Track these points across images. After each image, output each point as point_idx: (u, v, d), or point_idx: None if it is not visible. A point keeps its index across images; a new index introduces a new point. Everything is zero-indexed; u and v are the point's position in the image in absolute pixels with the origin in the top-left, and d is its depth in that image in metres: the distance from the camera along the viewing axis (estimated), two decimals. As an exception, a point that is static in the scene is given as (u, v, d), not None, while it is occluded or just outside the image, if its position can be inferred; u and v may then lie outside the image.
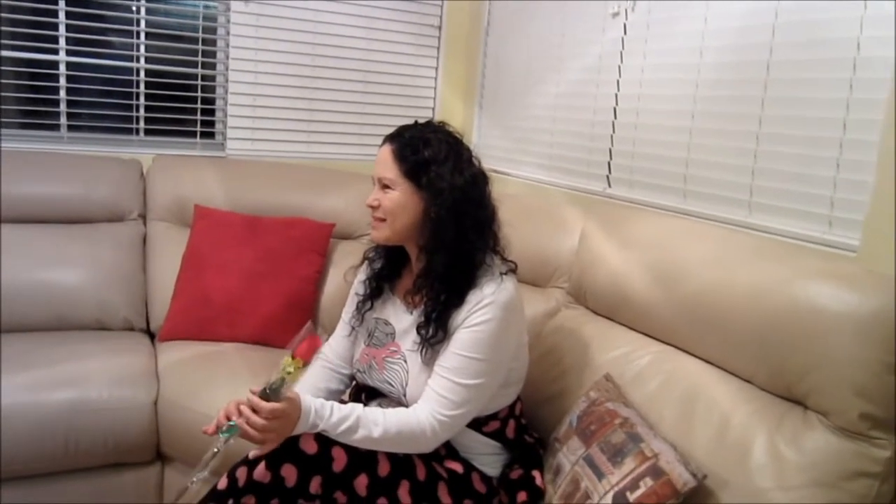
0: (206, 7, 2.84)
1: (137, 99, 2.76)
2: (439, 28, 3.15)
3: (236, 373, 2.02)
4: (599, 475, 1.36)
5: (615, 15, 2.27)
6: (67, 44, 2.62)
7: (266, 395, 1.31)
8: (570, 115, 2.51)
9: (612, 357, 1.68)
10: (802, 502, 1.23)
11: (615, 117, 2.28)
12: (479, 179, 1.51)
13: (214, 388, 1.92)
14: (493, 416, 1.56)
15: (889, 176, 1.45)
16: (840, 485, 1.23)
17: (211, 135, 2.93)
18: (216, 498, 1.38)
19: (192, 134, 2.89)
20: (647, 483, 1.28)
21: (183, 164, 2.65)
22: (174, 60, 2.81)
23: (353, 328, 1.69)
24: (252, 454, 1.36)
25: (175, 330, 2.28)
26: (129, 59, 2.74)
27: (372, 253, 1.68)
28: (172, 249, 2.42)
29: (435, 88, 3.21)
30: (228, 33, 2.81)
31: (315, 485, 1.36)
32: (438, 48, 3.17)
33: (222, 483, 1.39)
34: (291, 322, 2.21)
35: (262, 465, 1.36)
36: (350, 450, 1.39)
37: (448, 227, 1.45)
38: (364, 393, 1.64)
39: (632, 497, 1.28)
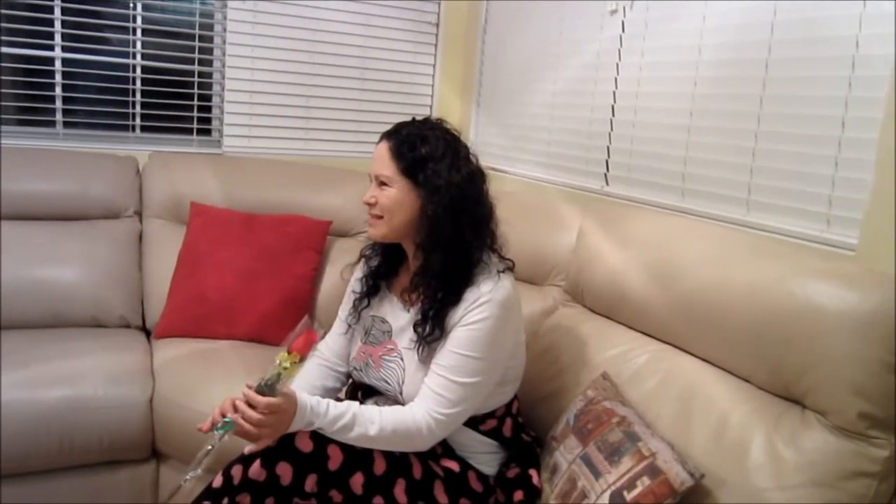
0: (203, 3, 2.83)
1: (134, 95, 2.75)
2: (437, 25, 3.14)
3: (232, 371, 2.01)
4: (596, 474, 1.36)
5: (613, 12, 2.27)
6: (63, 40, 2.60)
7: (262, 389, 1.30)
8: (568, 113, 2.50)
9: (610, 355, 1.68)
10: (800, 502, 1.23)
11: (613, 115, 2.28)
12: (476, 177, 1.51)
13: (210, 385, 1.91)
14: (490, 415, 1.55)
15: (888, 174, 1.45)
16: (838, 484, 1.23)
17: (207, 132, 2.93)
18: (211, 496, 1.37)
19: (189, 131, 2.88)
20: (644, 482, 1.27)
21: (179, 161, 2.64)
22: (171, 57, 2.80)
23: (349, 326, 1.69)
24: (247, 450, 1.35)
25: (171, 327, 2.27)
26: (126, 55, 2.73)
27: (369, 250, 1.67)
28: (168, 246, 2.41)
29: (432, 86, 3.20)
30: (225, 30, 2.80)
31: (311, 483, 1.35)
32: (436, 45, 3.16)
33: (217, 481, 1.38)
34: (288, 320, 2.20)
35: (257, 463, 1.35)
36: (346, 448, 1.38)
37: (445, 224, 1.44)
38: (360, 391, 1.64)
39: (629, 496, 1.27)
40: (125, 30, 2.71)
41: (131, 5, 2.69)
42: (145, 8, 2.72)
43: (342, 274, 1.77)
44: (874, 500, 1.23)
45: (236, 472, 1.37)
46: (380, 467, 1.40)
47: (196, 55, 2.83)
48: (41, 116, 2.67)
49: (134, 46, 2.73)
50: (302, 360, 1.32)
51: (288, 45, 2.88)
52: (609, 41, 2.29)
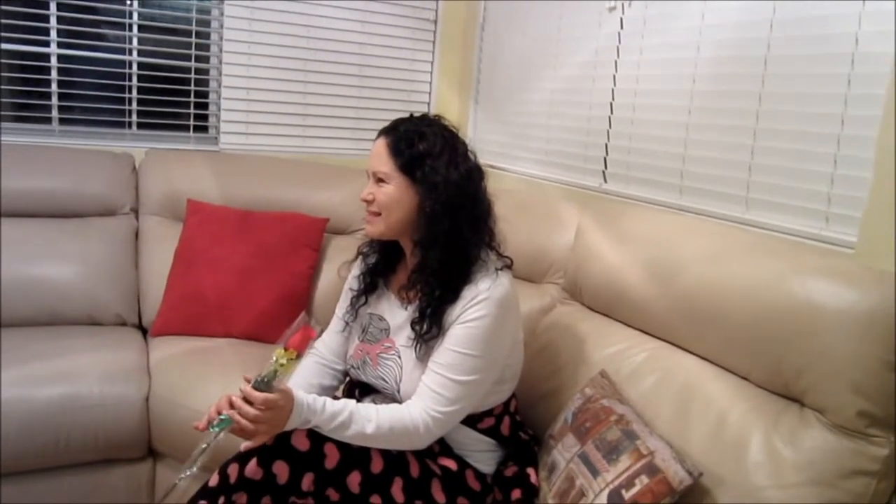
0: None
1: (130, 92, 2.74)
2: (435, 22, 3.13)
3: (229, 369, 2.00)
4: (594, 473, 1.35)
5: (612, 10, 2.26)
6: (60, 36, 2.59)
7: (259, 385, 1.29)
8: (567, 111, 2.50)
9: (608, 354, 1.67)
10: (799, 501, 1.22)
11: (611, 112, 2.27)
12: (474, 174, 1.50)
13: (206, 384, 1.91)
14: (488, 413, 1.55)
15: (887, 172, 1.44)
16: (837, 483, 1.23)
17: (204, 129, 2.91)
18: (208, 495, 1.36)
19: (185, 128, 2.87)
20: (642, 481, 1.27)
21: (176, 158, 2.63)
22: (167, 53, 2.79)
23: (346, 324, 1.68)
24: (244, 447, 1.35)
25: (167, 325, 2.26)
26: (122, 52, 2.71)
27: (366, 248, 1.67)
28: (165, 244, 2.41)
29: (430, 83, 3.19)
30: (222, 26, 2.78)
31: (307, 482, 1.34)
32: (434, 42, 3.15)
33: (213, 480, 1.38)
34: (285, 317, 2.16)
35: (253, 462, 1.34)
36: (343, 446, 1.37)
37: (443, 221, 1.44)
38: (357, 389, 1.63)
39: (627, 495, 1.27)
40: (121, 26, 2.69)
41: (128, 2, 2.68)
42: (142, 4, 2.71)
43: (339, 271, 1.77)
44: (873, 499, 1.23)
45: (232, 470, 1.36)
46: (377, 466, 1.39)
47: (193, 52, 2.81)
48: (37, 113, 2.66)
49: (130, 43, 2.72)
50: (299, 356, 1.32)
51: (285, 42, 2.87)
52: (607, 39, 2.28)
